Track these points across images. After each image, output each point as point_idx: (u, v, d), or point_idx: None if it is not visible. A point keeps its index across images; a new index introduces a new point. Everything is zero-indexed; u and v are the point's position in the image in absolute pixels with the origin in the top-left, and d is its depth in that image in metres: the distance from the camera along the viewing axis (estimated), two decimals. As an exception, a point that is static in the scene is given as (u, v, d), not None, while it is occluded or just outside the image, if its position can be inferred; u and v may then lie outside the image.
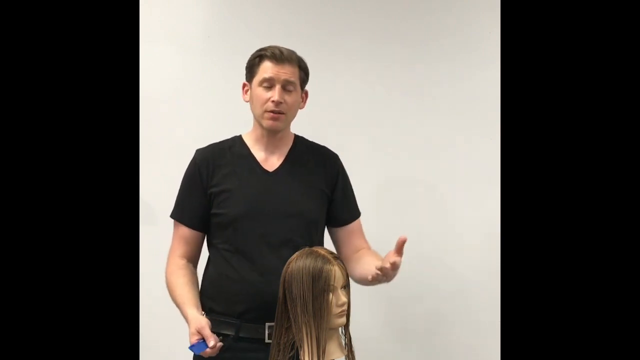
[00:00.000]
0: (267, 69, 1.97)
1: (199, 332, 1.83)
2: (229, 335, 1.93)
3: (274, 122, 1.97)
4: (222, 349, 1.90)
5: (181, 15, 2.66)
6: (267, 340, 1.88)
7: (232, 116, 2.16)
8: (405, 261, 2.58)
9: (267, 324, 1.89)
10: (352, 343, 1.72)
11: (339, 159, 2.10)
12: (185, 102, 2.63)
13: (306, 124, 2.17)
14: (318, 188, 2.02)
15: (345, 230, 2.07)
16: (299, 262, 1.66)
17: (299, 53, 2.06)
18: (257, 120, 2.01)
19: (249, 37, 2.15)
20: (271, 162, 2.03)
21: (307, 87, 2.09)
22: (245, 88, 2.04)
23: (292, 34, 2.53)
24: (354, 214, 2.10)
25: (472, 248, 2.58)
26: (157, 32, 2.60)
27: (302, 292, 1.63)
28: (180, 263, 2.01)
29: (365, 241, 2.08)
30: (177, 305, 1.96)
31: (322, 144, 2.12)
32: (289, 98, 1.97)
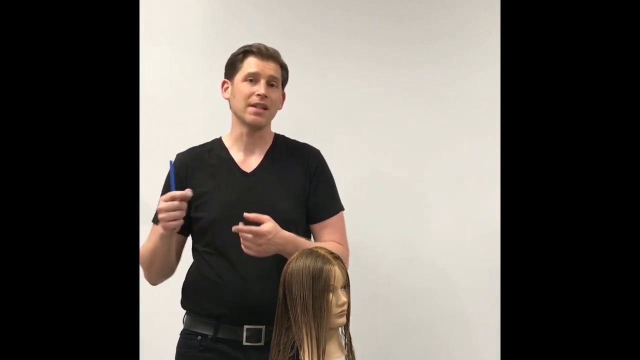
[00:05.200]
0: (252, 64, 1.98)
1: (162, 200, 1.82)
2: (207, 335, 1.92)
3: (257, 117, 1.96)
4: (201, 349, 1.91)
5: (180, 15, 2.66)
6: (244, 343, 1.88)
7: (231, 116, 2.16)
8: (405, 261, 2.61)
9: (245, 327, 1.88)
10: (352, 343, 1.72)
11: (320, 155, 2.07)
12: (185, 102, 2.63)
13: (304, 125, 2.17)
14: (297, 186, 2.00)
15: (318, 226, 2.02)
16: (298, 262, 1.66)
17: (298, 53, 2.07)
18: (239, 115, 2.00)
19: (248, 37, 2.15)
20: (249, 162, 2.01)
21: (304, 87, 2.09)
22: (225, 86, 2.05)
23: (291, 34, 2.54)
24: (328, 211, 2.03)
25: (472, 247, 2.58)
26: (156, 32, 2.60)
27: (302, 292, 1.63)
28: None
29: (340, 237, 2.02)
30: (153, 243, 1.93)
31: (320, 144, 2.11)
32: (272, 94, 1.98)
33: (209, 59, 2.63)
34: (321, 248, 1.72)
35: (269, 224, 1.81)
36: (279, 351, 1.68)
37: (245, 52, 2.01)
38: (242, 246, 1.80)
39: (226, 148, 2.04)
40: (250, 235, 1.79)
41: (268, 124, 2.03)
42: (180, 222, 1.84)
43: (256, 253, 1.81)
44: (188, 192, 1.82)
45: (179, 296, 2.04)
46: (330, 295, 1.64)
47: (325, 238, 2.01)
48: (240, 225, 1.79)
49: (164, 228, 1.84)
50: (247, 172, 2.00)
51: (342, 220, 2.06)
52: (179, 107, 2.63)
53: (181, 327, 2.02)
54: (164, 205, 1.82)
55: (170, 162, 1.78)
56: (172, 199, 1.81)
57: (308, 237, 2.03)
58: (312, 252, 1.67)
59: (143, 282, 1.73)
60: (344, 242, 2.03)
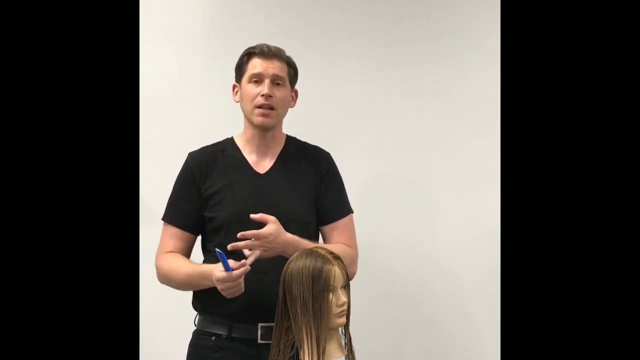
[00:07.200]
0: (256, 65, 1.99)
1: (221, 281, 1.79)
2: (221, 335, 1.93)
3: (265, 118, 1.97)
4: (215, 349, 1.91)
5: (180, 15, 2.66)
6: (259, 341, 1.89)
7: (231, 116, 2.16)
8: (406, 261, 2.60)
9: (259, 325, 1.89)
10: (352, 343, 1.72)
11: (330, 158, 2.09)
12: (185, 102, 2.63)
13: (305, 125, 2.17)
14: (308, 189, 2.01)
15: (328, 227, 2.04)
16: (298, 262, 1.66)
17: (297, 53, 2.07)
18: (248, 118, 2.01)
19: (248, 37, 2.15)
20: (262, 164, 2.02)
21: (305, 87, 2.09)
22: (236, 89, 2.06)
23: (291, 35, 2.53)
24: (338, 213, 2.04)
25: (472, 248, 2.58)
26: (156, 32, 2.60)
27: (302, 292, 1.63)
28: (172, 253, 2.00)
29: (349, 239, 2.03)
30: (189, 279, 1.92)
31: (321, 145, 2.12)
32: (278, 93, 1.98)
33: (209, 59, 2.63)
34: (321, 248, 1.72)
35: (270, 226, 1.82)
36: (279, 351, 1.67)
37: (249, 53, 2.02)
38: (246, 249, 1.82)
39: (239, 148, 2.04)
40: (250, 242, 1.81)
41: (277, 124, 2.03)
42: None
43: (260, 256, 1.83)
44: (245, 268, 1.79)
45: (180, 296, 2.04)
46: (330, 295, 1.64)
47: (335, 240, 2.02)
48: (243, 232, 1.81)
49: (229, 297, 1.83)
50: (260, 174, 2.01)
51: (351, 222, 2.07)
52: (178, 107, 2.62)
53: (182, 327, 2.01)
54: (227, 285, 1.79)
55: (218, 251, 1.76)
56: (234, 279, 1.78)
57: (317, 239, 2.04)
58: (312, 252, 1.67)
59: (143, 282, 1.72)
60: (352, 244, 2.04)
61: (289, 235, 1.86)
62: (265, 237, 1.81)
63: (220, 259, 1.76)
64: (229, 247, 1.81)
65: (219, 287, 1.80)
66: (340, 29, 2.66)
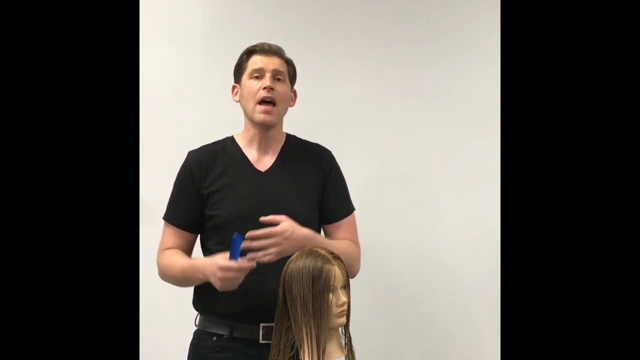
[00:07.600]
0: (256, 61, 2.00)
1: (224, 269, 1.78)
2: (223, 335, 1.93)
3: (267, 115, 1.97)
4: (217, 349, 1.91)
5: (180, 15, 2.66)
6: (261, 341, 1.89)
7: (231, 116, 2.16)
8: (406, 261, 2.60)
9: (261, 325, 1.89)
10: (352, 343, 1.72)
11: (332, 156, 2.09)
12: (185, 102, 2.63)
13: (305, 125, 2.17)
14: (310, 187, 2.01)
15: (332, 226, 2.04)
16: (299, 262, 1.66)
17: (297, 53, 2.08)
18: (249, 116, 2.01)
19: (248, 37, 2.15)
20: (263, 162, 2.02)
21: (305, 87, 2.09)
22: (235, 90, 2.06)
23: (291, 35, 2.54)
24: (343, 212, 2.05)
25: (472, 248, 2.58)
26: (156, 32, 2.60)
27: (302, 292, 1.63)
28: (171, 249, 2.00)
29: (352, 237, 2.04)
30: (184, 273, 1.92)
31: (321, 144, 2.12)
32: (279, 87, 1.99)
33: (209, 59, 2.63)
34: (321, 248, 1.72)
35: (285, 223, 1.81)
36: (279, 351, 1.68)
37: (249, 52, 2.03)
38: (260, 254, 1.79)
39: (239, 147, 2.04)
40: (265, 241, 1.79)
41: (279, 122, 2.03)
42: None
43: (277, 255, 1.80)
44: (252, 263, 1.78)
45: (180, 296, 2.04)
46: (330, 295, 1.64)
47: (339, 237, 2.02)
48: (253, 231, 1.79)
49: (221, 290, 1.82)
50: (261, 171, 2.01)
51: (354, 220, 2.08)
52: (178, 107, 2.63)
53: (182, 327, 2.02)
54: (227, 275, 1.77)
55: (235, 236, 1.74)
56: (239, 270, 1.77)
57: None
58: (312, 252, 1.67)
59: (143, 282, 1.73)
60: (356, 241, 2.05)
61: (305, 230, 1.85)
62: (280, 233, 1.79)
63: (234, 244, 1.73)
64: (248, 234, 1.77)
65: (218, 274, 1.78)
66: (340, 29, 2.66)
